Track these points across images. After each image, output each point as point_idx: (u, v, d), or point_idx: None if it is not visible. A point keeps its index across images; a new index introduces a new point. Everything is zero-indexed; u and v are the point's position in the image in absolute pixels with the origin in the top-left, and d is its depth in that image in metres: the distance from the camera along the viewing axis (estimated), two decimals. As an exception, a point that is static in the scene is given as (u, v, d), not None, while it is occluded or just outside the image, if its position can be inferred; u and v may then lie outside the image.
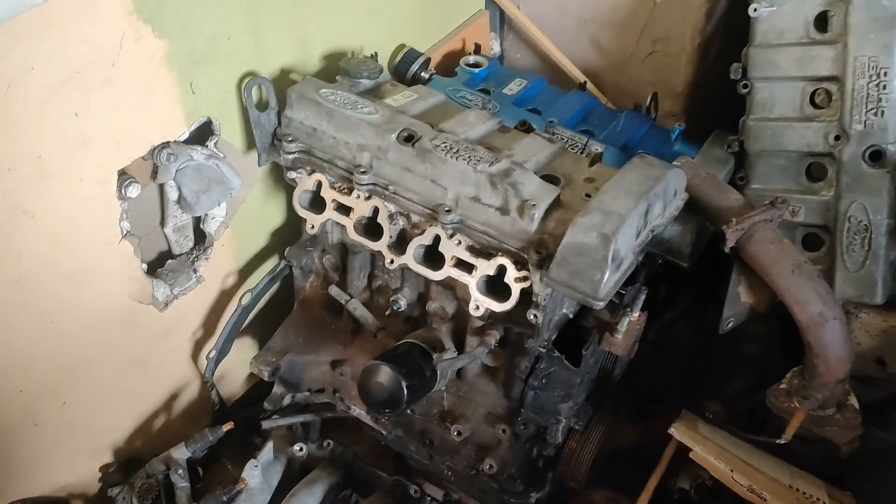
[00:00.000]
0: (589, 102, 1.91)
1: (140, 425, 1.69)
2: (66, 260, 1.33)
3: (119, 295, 1.48)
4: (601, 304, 1.18)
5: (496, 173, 1.28)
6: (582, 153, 1.54)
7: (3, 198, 1.16)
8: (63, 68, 1.17)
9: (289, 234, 1.76)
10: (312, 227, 1.50)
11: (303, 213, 1.50)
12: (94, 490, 1.64)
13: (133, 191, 1.36)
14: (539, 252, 1.23)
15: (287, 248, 1.66)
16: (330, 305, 1.69)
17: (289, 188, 1.69)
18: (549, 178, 1.35)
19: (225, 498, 1.47)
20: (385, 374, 1.36)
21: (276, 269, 1.66)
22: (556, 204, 1.28)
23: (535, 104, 1.86)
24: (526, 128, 1.65)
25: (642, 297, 1.36)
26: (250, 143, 1.55)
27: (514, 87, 1.91)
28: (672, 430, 1.48)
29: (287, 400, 1.75)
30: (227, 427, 1.57)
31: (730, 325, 1.56)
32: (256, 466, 1.50)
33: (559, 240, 1.20)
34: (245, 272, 1.74)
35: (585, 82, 2.09)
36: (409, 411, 1.61)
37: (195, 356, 1.74)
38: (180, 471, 1.52)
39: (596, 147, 1.63)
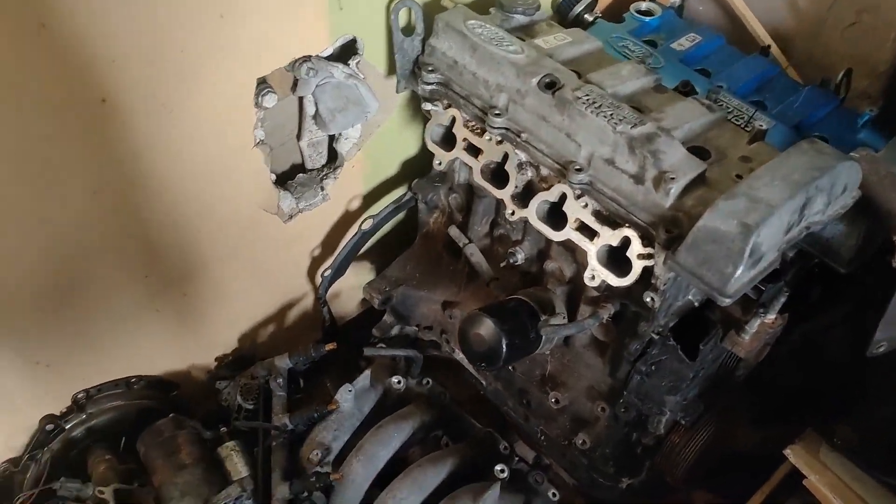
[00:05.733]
0: (768, 70, 1.69)
1: (252, 328, 1.76)
2: (200, 159, 1.37)
3: (247, 201, 1.51)
4: (727, 301, 1.04)
5: (637, 137, 1.15)
6: (745, 128, 1.36)
7: (144, 87, 1.19)
8: (214, -34, 1.17)
9: (419, 166, 1.72)
10: (440, 163, 1.45)
11: (433, 147, 1.45)
12: (202, 380, 1.74)
13: (269, 101, 1.36)
14: (669, 231, 1.10)
15: (415, 180, 1.62)
16: (450, 245, 1.65)
17: (425, 121, 1.65)
18: (698, 151, 1.20)
19: (315, 415, 1.50)
20: (487, 328, 1.31)
21: (402, 199, 1.63)
22: (700, 181, 1.14)
23: (706, 64, 1.67)
24: (687, 89, 1.49)
25: (782, 299, 1.20)
26: (392, 68, 1.51)
27: (685, 43, 1.72)
28: (788, 452, 1.32)
29: (395, 331, 1.75)
30: (329, 347, 1.59)
31: (881, 350, 1.35)
32: (350, 391, 1.51)
33: (694, 221, 1.07)
34: (370, 197, 1.73)
35: (769, 46, 1.85)
36: (509, 368, 1.56)
37: (311, 272, 1.77)
38: (280, 380, 1.57)
39: (761, 123, 1.43)
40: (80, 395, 1.53)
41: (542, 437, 1.56)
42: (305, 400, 1.68)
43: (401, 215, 1.71)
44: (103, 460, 1.50)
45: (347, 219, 1.73)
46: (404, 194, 1.65)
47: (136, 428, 1.57)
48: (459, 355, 1.65)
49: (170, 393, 1.67)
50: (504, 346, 1.30)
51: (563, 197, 1.26)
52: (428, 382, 1.68)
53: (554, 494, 1.55)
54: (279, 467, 1.45)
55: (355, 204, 1.72)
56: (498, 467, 1.49)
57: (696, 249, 1.05)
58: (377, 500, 1.45)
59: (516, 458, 1.58)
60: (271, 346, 1.79)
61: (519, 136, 1.30)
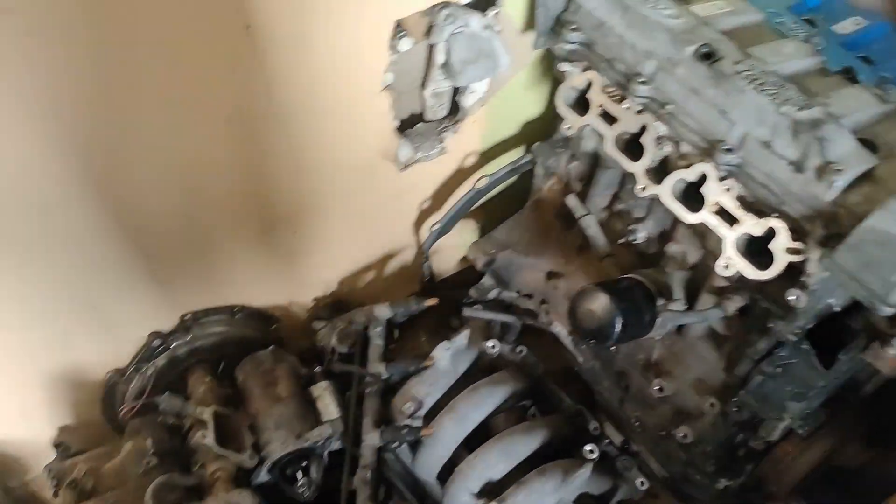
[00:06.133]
0: (942, 65, 1.53)
1: (352, 274, 1.76)
2: (329, 97, 1.35)
3: (366, 145, 1.49)
4: (890, 311, 0.96)
5: (804, 121, 1.06)
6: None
7: (289, 17, 1.17)
8: None
9: (539, 129, 1.66)
10: (569, 128, 1.38)
11: (564, 110, 1.38)
12: (301, 318, 1.76)
13: (404, 45, 1.32)
14: (827, 227, 1.01)
15: (536, 144, 1.56)
16: (563, 214, 1.59)
17: (555, 82, 1.58)
18: (867, 144, 1.10)
19: (412, 369, 1.49)
20: (601, 304, 1.26)
21: (519, 161, 1.58)
22: (868, 176, 1.04)
23: (869, 52, 1.53)
24: (850, 76, 1.36)
25: (940, 316, 1.09)
26: (529, 24, 1.45)
27: (847, 26, 1.58)
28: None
29: (492, 294, 1.71)
30: (429, 302, 1.58)
31: None
32: (448, 349, 1.49)
33: (858, 220, 0.98)
34: (486, 156, 1.69)
35: (943, 38, 1.68)
36: (612, 348, 1.50)
37: (417, 224, 1.75)
38: (379, 328, 1.56)
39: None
40: (187, 317, 1.57)
41: (637, 424, 1.50)
42: (396, 351, 1.67)
43: (512, 178, 1.66)
44: (203, 382, 1.53)
45: (460, 175, 1.69)
46: (522, 157, 1.59)
47: (234, 355, 1.60)
48: (557, 328, 1.60)
49: (269, 326, 1.69)
50: (617, 326, 1.25)
51: (704, 177, 1.18)
52: (521, 351, 1.64)
53: (642, 483, 1.50)
54: (371, 414, 1.45)
55: (470, 161, 1.68)
56: (588, 447, 1.45)
57: (859, 251, 0.96)
58: (464, 461, 1.43)
59: (606, 440, 1.54)
60: (367, 294, 1.79)
61: (663, 108, 1.22)
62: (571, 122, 1.37)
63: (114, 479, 1.40)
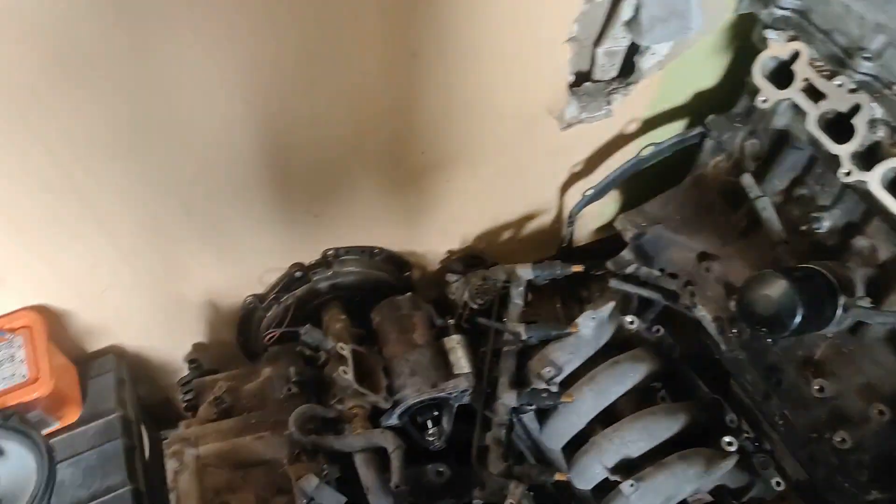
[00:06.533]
0: None
1: (491, 230, 1.73)
2: (508, 43, 1.29)
3: (535, 99, 1.44)
4: None
5: None
6: None
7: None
8: None
9: (713, 101, 1.56)
10: (765, 101, 1.29)
11: (760, 81, 1.29)
12: (433, 267, 1.74)
13: (601, -6, 1.25)
14: None
15: (711, 117, 1.48)
16: (728, 193, 1.50)
17: (740, 51, 1.49)
18: None
19: (553, 333, 1.44)
20: (781, 291, 1.18)
21: (689, 133, 1.50)
22: None
23: None
24: None
25: None
26: (730, -17, 1.35)
27: None
28: None
29: (630, 269, 1.64)
30: (576, 268, 1.53)
31: None
32: (594, 319, 1.44)
33: None
34: (649, 124, 1.61)
35: None
36: (768, 340, 1.42)
37: (565, 187, 1.69)
38: (520, 288, 1.52)
39: None
40: (329, 252, 1.56)
41: (782, 422, 1.42)
42: (527, 313, 1.63)
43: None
44: (339, 319, 1.53)
45: (619, 141, 1.62)
46: (691, 129, 1.51)
47: (368, 296, 1.59)
48: (701, 311, 1.52)
49: (402, 272, 1.67)
50: (798, 316, 1.17)
51: (925, 168, 1.08)
52: (658, 331, 1.58)
53: (778, 483, 1.43)
54: (507, 373, 1.42)
55: (632, 127, 1.60)
56: (726, 439, 1.39)
57: None
58: (601, 434, 1.39)
59: (744, 435, 1.47)
60: (502, 252, 1.75)
61: (888, 88, 1.12)
62: (768, 95, 1.28)
63: (251, 400, 1.41)
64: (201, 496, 1.19)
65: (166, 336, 1.60)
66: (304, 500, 1.20)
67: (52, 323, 1.40)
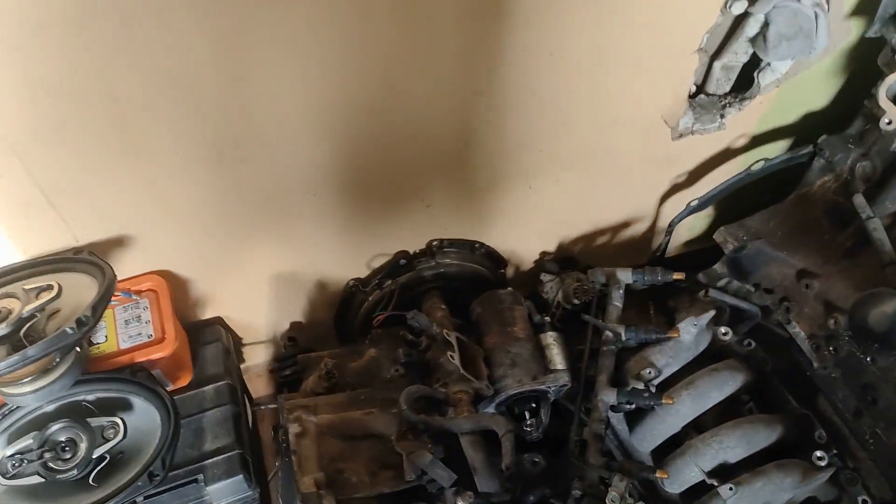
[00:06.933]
0: None
1: (587, 233, 1.76)
2: (640, 48, 1.33)
3: (654, 105, 1.48)
4: None
5: None
6: None
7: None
8: None
9: (822, 123, 1.59)
10: (890, 122, 1.31)
11: (886, 103, 1.32)
12: (528, 266, 1.78)
13: (739, 7, 1.29)
14: None
15: (823, 137, 1.50)
16: (834, 213, 1.53)
17: (855, 75, 1.51)
18: None
19: (654, 336, 1.47)
20: (898, 308, 1.20)
21: (799, 151, 1.53)
22: None
23: None
24: None
25: None
26: (857, 8, 1.38)
27: None
28: None
29: (721, 283, 1.67)
30: (677, 276, 1.55)
31: None
32: (696, 325, 1.46)
33: None
34: (757, 140, 1.64)
35: None
36: (867, 359, 1.44)
37: (665, 197, 1.72)
38: (620, 291, 1.55)
39: None
40: (434, 243, 1.61)
41: (872, 440, 1.44)
42: (621, 318, 1.65)
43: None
44: (440, 308, 1.57)
45: (725, 155, 1.65)
46: (802, 147, 1.54)
47: (466, 288, 1.63)
48: (795, 329, 1.55)
49: (499, 268, 1.72)
50: (915, 334, 1.19)
51: None
52: (750, 344, 1.60)
53: (865, 502, 1.44)
54: (606, 371, 1.45)
55: (740, 142, 1.63)
56: (818, 454, 1.41)
57: None
58: (699, 437, 1.41)
59: (833, 451, 1.48)
60: (595, 256, 1.79)
61: None
62: (893, 117, 1.31)
63: (356, 378, 1.46)
64: (319, 461, 1.23)
65: (269, 312, 1.65)
66: (415, 475, 1.25)
67: (171, 289, 1.46)
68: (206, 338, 1.55)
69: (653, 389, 1.43)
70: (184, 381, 1.47)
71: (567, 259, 1.76)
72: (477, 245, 1.65)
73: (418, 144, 1.39)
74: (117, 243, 1.36)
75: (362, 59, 1.17)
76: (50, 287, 1.25)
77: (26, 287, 1.26)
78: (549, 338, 1.55)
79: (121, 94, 1.09)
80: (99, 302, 1.19)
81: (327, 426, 1.31)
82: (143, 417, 1.32)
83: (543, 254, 1.78)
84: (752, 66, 1.49)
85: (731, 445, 1.38)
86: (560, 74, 1.31)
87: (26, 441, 1.29)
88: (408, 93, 1.26)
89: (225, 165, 1.27)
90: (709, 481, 1.38)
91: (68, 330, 1.15)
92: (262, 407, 1.60)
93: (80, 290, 1.27)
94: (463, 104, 1.33)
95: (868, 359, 1.45)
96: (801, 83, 1.51)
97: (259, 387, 1.78)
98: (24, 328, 1.19)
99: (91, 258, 1.30)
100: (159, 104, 1.12)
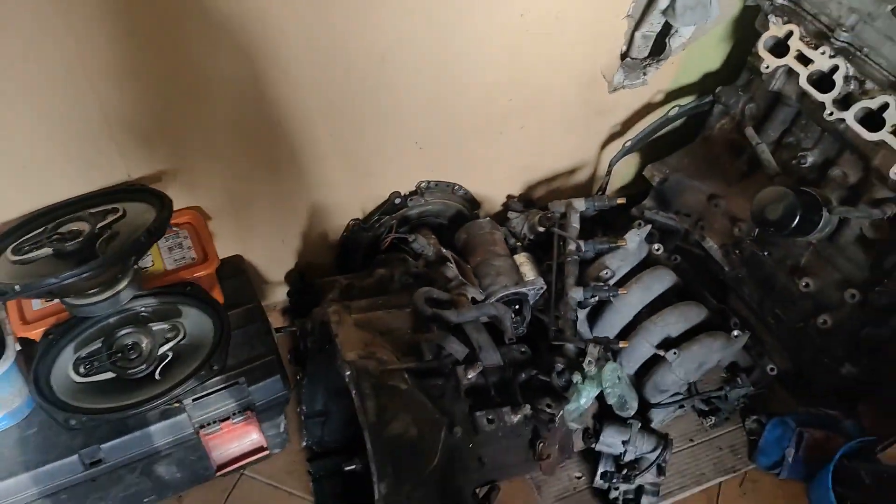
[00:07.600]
0: None
1: (544, 179, 2.13)
2: (584, 10, 1.71)
3: (594, 62, 1.86)
4: None
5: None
6: None
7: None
8: None
9: (717, 80, 2.03)
10: (767, 67, 1.75)
11: (764, 53, 1.76)
12: (497, 208, 2.12)
13: (655, -19, 1.71)
14: None
15: (719, 87, 1.94)
16: (732, 147, 1.96)
17: (739, 39, 1.96)
18: None
19: (607, 246, 1.83)
20: (786, 198, 1.62)
21: (703, 99, 1.96)
22: None
23: None
24: None
25: None
26: (742, -20, 1.83)
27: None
28: None
29: (650, 214, 2.07)
30: (620, 200, 1.93)
31: None
32: (638, 235, 1.84)
33: None
34: (670, 96, 2.06)
35: None
36: (763, 253, 1.86)
37: (604, 144, 2.11)
38: (577, 215, 1.91)
39: None
40: (422, 184, 1.92)
41: (773, 320, 1.86)
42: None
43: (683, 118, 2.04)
44: (430, 237, 1.88)
45: (648, 108, 2.06)
46: (706, 96, 1.97)
47: (448, 223, 1.95)
48: (708, 243, 1.96)
49: (474, 209, 2.05)
50: (798, 216, 1.60)
51: (885, 106, 1.55)
52: (676, 259, 2.00)
53: (772, 369, 1.86)
54: (572, 276, 1.80)
55: (658, 97, 2.05)
56: (735, 332, 1.81)
57: None
58: (647, 320, 1.78)
59: (748, 333, 1.89)
60: (549, 198, 2.12)
61: (859, 51, 1.60)
62: (770, 62, 1.75)
63: (370, 292, 1.73)
64: (359, 340, 1.50)
65: (278, 255, 1.91)
66: (432, 355, 1.53)
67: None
68: (228, 270, 1.78)
69: (609, 286, 1.80)
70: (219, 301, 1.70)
71: (528, 201, 2.11)
72: (457, 186, 1.98)
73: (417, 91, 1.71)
74: (156, 180, 1.59)
75: None
76: (115, 210, 1.48)
77: (93, 212, 1.47)
78: (522, 257, 1.89)
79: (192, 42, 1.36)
80: (162, 217, 1.43)
81: (357, 321, 1.58)
82: (196, 323, 1.54)
83: (509, 196, 2.12)
84: (664, 34, 1.91)
85: (672, 322, 1.77)
86: (528, 33, 1.68)
87: (95, 345, 1.49)
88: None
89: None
90: (657, 351, 1.75)
91: (142, 238, 1.38)
92: (281, 332, 1.84)
93: (138, 214, 1.49)
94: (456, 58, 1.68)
95: (765, 253, 1.87)
96: (701, 46, 1.94)
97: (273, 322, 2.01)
98: (96, 244, 1.40)
99: (149, 187, 1.53)
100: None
